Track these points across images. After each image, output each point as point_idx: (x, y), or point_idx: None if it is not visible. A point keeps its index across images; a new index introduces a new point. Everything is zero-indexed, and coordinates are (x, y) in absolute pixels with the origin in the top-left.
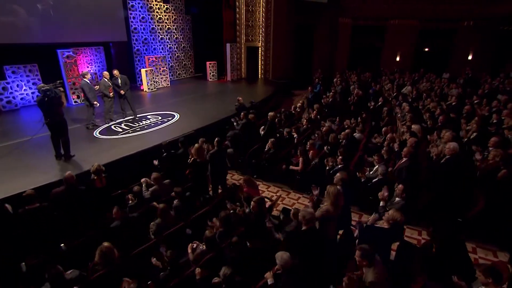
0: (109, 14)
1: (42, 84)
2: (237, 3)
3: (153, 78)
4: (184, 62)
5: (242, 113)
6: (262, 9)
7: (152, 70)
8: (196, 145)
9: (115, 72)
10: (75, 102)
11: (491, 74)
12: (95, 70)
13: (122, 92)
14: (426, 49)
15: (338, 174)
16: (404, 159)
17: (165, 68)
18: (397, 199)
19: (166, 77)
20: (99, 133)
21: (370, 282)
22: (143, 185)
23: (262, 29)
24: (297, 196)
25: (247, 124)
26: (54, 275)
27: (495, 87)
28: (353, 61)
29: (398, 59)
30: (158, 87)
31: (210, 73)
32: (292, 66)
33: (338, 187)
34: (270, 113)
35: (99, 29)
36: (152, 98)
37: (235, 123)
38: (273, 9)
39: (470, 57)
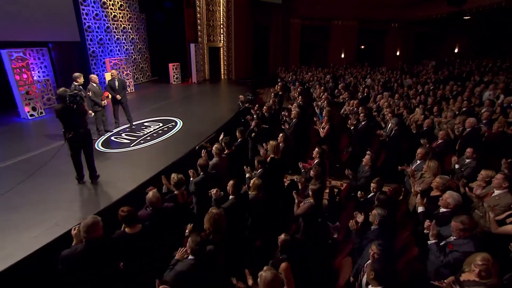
0: (57, 8)
1: (63, 88)
2: (198, 2)
3: None
4: (141, 65)
5: (255, 108)
6: (223, 9)
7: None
8: (272, 142)
9: (113, 72)
10: (31, 115)
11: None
12: (39, 76)
13: (118, 97)
14: (362, 47)
15: (420, 149)
16: (441, 141)
17: (128, 71)
18: (467, 160)
19: (130, 81)
20: (102, 146)
21: None
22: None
23: (223, 29)
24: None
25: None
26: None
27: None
28: (304, 58)
29: (343, 55)
30: None
31: (173, 76)
32: (252, 65)
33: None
34: (295, 110)
35: (44, 26)
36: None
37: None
38: (233, 8)
39: (398, 53)
